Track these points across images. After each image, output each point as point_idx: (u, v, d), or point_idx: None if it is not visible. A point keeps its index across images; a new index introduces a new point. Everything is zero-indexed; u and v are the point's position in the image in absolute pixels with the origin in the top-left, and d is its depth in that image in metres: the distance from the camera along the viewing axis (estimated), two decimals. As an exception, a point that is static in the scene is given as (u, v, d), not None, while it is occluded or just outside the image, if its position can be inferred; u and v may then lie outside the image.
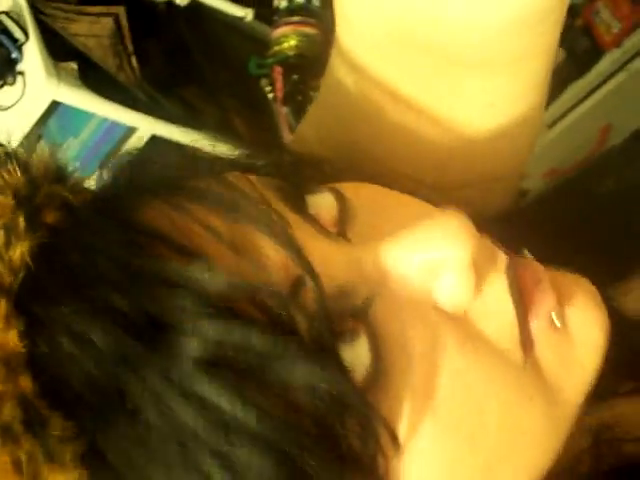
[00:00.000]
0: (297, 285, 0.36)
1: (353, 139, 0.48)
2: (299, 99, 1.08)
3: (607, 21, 1.18)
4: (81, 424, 0.33)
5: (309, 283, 0.36)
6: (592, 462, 0.46)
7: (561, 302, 0.41)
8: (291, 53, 1.13)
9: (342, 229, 0.40)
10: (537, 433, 0.41)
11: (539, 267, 0.41)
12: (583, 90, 1.18)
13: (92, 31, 1.23)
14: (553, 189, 0.72)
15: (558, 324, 0.40)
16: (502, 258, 0.40)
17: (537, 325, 0.40)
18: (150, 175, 0.39)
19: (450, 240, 0.38)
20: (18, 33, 1.11)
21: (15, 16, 1.12)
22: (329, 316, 0.36)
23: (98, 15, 1.24)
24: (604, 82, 1.19)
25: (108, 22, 1.24)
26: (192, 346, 0.33)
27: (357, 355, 0.36)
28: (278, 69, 1.13)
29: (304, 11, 1.15)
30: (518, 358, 0.39)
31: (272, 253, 0.36)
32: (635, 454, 0.46)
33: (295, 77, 1.11)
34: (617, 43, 1.19)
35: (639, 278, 0.56)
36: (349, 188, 0.42)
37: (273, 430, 0.34)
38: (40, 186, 0.37)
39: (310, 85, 1.09)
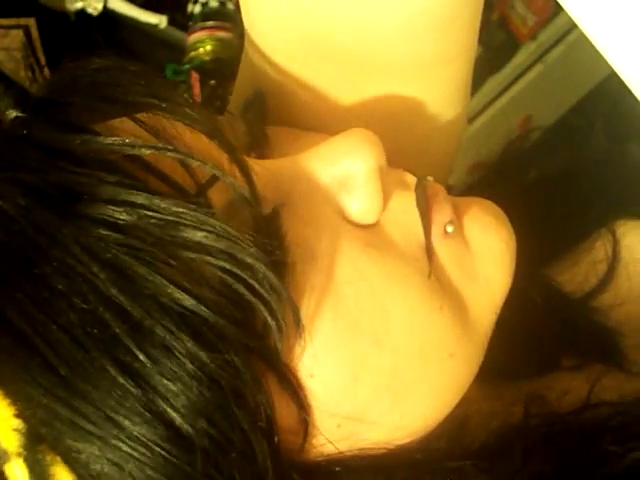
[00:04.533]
0: (212, 179, 0.36)
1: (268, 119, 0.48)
2: (217, 104, 1.06)
3: (522, 14, 1.19)
4: None
5: (227, 177, 0.36)
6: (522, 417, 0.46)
7: (458, 214, 0.43)
8: (207, 58, 1.12)
9: (259, 152, 0.43)
10: (449, 347, 0.41)
11: (438, 185, 0.43)
12: (501, 83, 1.19)
13: (2, 44, 1.20)
14: (477, 181, 0.72)
15: (449, 230, 0.41)
16: (411, 178, 0.42)
17: (433, 233, 0.41)
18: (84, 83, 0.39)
19: (354, 151, 0.39)
20: None
21: None
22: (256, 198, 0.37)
23: (7, 28, 1.21)
24: (522, 75, 1.20)
25: (18, 34, 1.20)
26: (100, 211, 0.33)
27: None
28: (195, 75, 1.12)
29: (218, 15, 1.14)
30: (424, 267, 0.40)
31: (195, 143, 0.37)
32: (563, 417, 0.46)
33: (212, 82, 1.10)
34: (533, 36, 1.20)
35: (571, 258, 0.57)
36: (268, 127, 0.45)
37: (180, 296, 0.33)
38: None
39: (228, 89, 1.08)
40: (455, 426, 0.43)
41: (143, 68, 0.39)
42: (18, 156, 0.35)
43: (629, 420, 0.45)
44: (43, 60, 1.21)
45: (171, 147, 0.35)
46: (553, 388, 0.50)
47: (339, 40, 0.42)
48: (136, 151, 0.35)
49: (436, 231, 0.42)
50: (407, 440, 0.41)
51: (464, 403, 0.43)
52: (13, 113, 0.38)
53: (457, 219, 0.43)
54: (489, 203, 0.45)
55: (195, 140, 0.37)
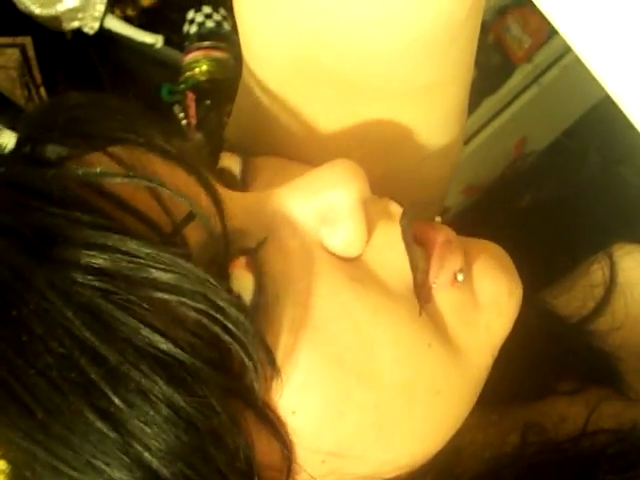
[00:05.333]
0: (188, 217, 0.36)
1: (264, 145, 0.48)
2: (212, 124, 1.06)
3: (518, 36, 1.20)
4: None
5: (203, 216, 0.36)
6: (518, 446, 0.46)
7: (468, 260, 0.42)
8: (203, 78, 1.12)
9: (245, 184, 0.42)
10: (437, 384, 0.40)
11: (449, 230, 0.42)
12: (497, 105, 1.19)
13: (-2, 63, 1.20)
14: (473, 204, 0.72)
15: (460, 278, 0.41)
16: (396, 208, 0.41)
17: (440, 280, 0.41)
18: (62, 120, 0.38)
19: (336, 183, 0.38)
20: None
21: None
22: (226, 238, 0.36)
23: (4, 46, 1.21)
24: (517, 96, 1.20)
25: (14, 53, 1.20)
26: (74, 254, 0.33)
27: (241, 287, 0.36)
28: (191, 95, 1.12)
29: (214, 36, 1.14)
30: (412, 303, 0.39)
31: (173, 179, 0.36)
32: (560, 446, 0.46)
33: (208, 102, 1.10)
34: (528, 58, 1.20)
35: (567, 282, 0.57)
36: (259, 158, 0.44)
37: (155, 339, 0.33)
38: None
39: (223, 110, 1.08)
40: (448, 457, 0.42)
41: (121, 102, 0.39)
42: None
43: (627, 448, 0.44)
44: (39, 79, 1.20)
45: (145, 176, 0.35)
46: (550, 415, 0.49)
47: (333, 64, 0.42)
48: (108, 179, 0.35)
49: (443, 277, 0.41)
50: (394, 474, 0.40)
51: (458, 434, 0.42)
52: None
53: (467, 265, 0.42)
54: (500, 252, 0.45)
55: (173, 176, 0.37)
